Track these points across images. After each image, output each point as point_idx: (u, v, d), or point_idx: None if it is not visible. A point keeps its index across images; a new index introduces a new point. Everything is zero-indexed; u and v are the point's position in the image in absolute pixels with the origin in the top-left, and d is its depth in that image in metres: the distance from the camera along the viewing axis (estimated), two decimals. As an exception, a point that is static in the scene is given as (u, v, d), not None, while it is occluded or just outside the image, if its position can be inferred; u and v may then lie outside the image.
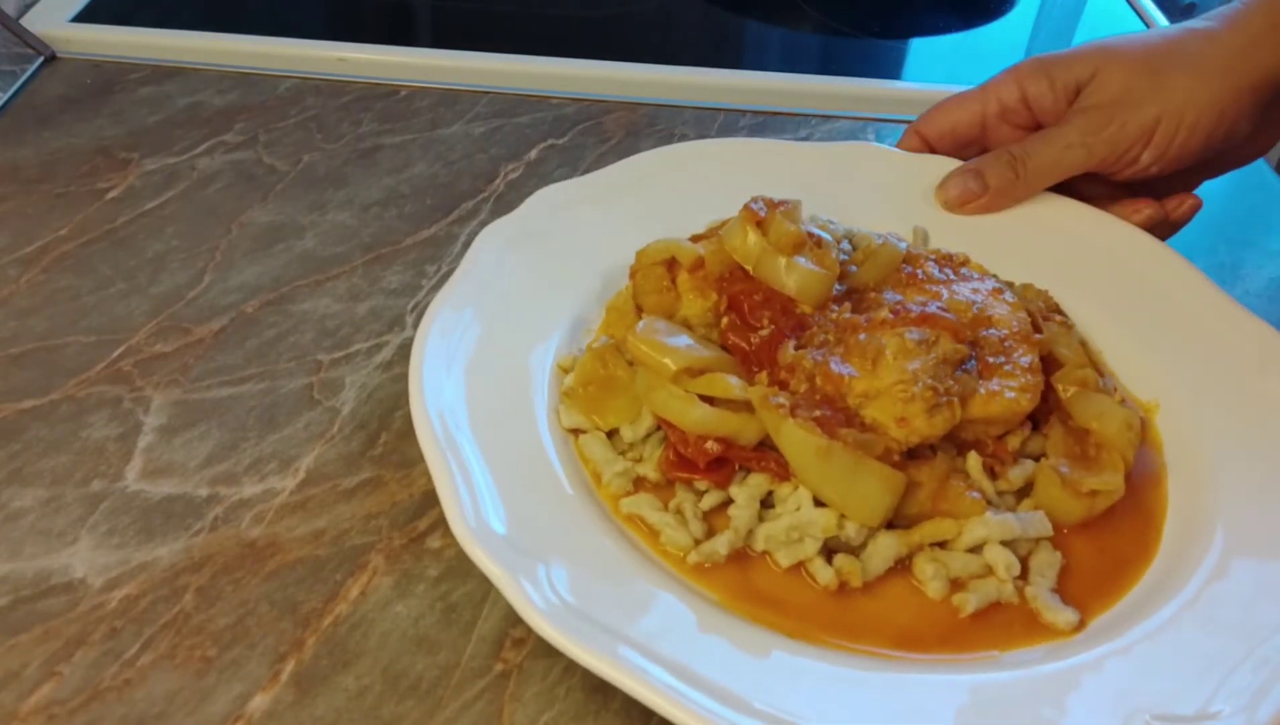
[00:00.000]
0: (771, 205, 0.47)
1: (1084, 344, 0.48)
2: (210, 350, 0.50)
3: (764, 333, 0.45)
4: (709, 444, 0.41)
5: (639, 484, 0.42)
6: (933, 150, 0.59)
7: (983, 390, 0.42)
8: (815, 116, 0.70)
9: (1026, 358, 0.44)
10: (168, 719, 0.36)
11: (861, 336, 0.43)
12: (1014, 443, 0.44)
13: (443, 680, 0.38)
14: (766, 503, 0.42)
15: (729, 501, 0.42)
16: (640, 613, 0.36)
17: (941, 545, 0.41)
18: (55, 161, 0.61)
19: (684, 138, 0.67)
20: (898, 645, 0.38)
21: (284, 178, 0.62)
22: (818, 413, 0.41)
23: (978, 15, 0.87)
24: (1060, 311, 0.49)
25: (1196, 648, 0.37)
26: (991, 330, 0.45)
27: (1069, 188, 0.56)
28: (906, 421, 0.40)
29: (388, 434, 0.47)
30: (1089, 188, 0.56)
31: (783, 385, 0.43)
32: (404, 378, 0.49)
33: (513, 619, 0.40)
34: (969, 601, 0.39)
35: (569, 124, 0.67)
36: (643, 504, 0.41)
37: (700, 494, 0.42)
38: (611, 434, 0.44)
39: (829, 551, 0.40)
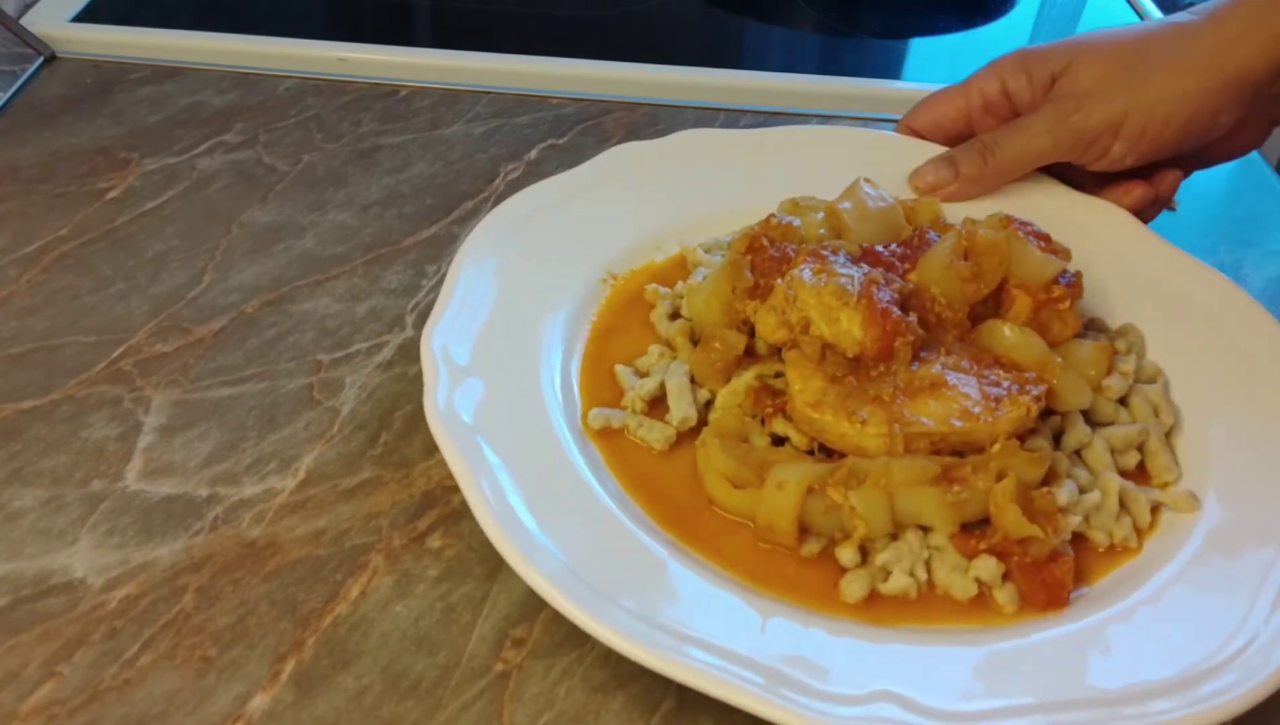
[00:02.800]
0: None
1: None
2: (210, 350, 0.50)
3: None
4: None
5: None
6: None
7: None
8: (815, 116, 0.70)
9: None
10: (168, 719, 0.36)
11: None
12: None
13: (443, 680, 0.38)
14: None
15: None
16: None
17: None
18: (55, 161, 0.61)
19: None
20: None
21: (284, 178, 0.62)
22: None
23: (978, 15, 0.87)
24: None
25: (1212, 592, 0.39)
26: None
27: (1064, 177, 0.56)
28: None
29: (388, 434, 0.47)
30: (1082, 177, 0.56)
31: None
32: (404, 377, 0.49)
33: (513, 619, 0.40)
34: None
35: (569, 124, 0.67)
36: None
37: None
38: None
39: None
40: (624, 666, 0.38)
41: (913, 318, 0.43)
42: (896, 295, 0.44)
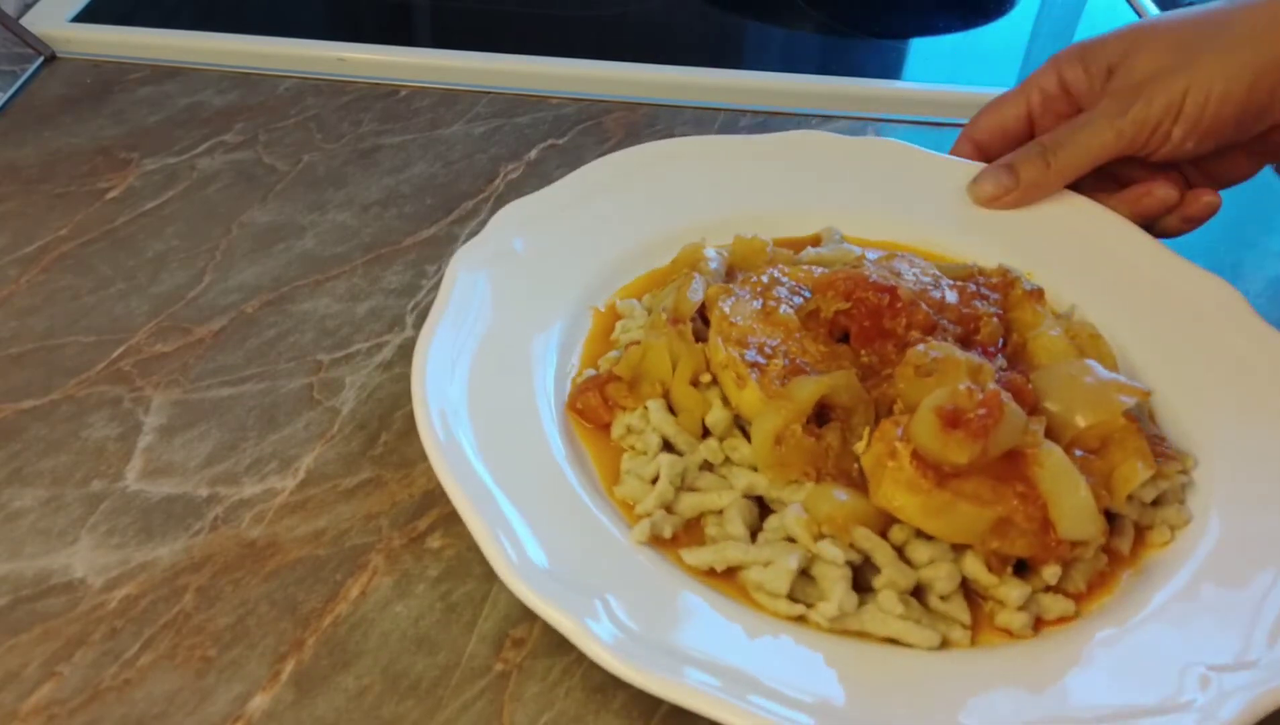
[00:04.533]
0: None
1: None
2: (210, 350, 0.50)
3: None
4: None
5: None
6: (986, 155, 0.58)
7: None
8: (815, 116, 0.70)
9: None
10: (168, 719, 0.36)
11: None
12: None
13: (443, 680, 0.38)
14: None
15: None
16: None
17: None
18: (55, 161, 0.61)
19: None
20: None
21: (284, 178, 0.62)
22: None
23: (978, 15, 0.87)
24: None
25: (1217, 609, 0.39)
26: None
27: (1105, 172, 0.55)
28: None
29: (388, 434, 0.47)
30: (1126, 170, 0.55)
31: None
32: (404, 377, 0.49)
33: (513, 619, 0.40)
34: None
35: (569, 124, 0.67)
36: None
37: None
38: None
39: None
40: (624, 666, 0.38)
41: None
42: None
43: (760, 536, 0.40)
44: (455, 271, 0.47)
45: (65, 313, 0.52)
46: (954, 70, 0.79)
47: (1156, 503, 0.42)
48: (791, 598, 0.38)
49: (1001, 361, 0.43)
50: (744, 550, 0.39)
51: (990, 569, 0.39)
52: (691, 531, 0.41)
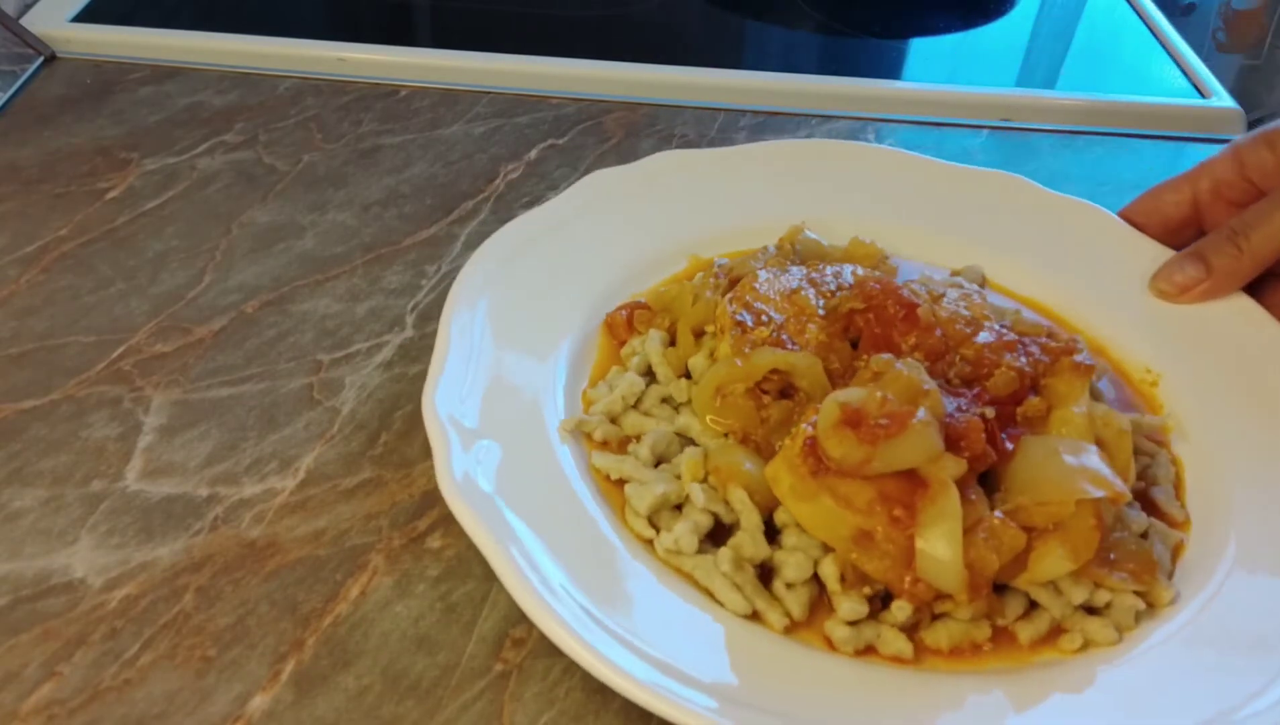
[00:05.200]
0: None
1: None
2: (210, 350, 0.50)
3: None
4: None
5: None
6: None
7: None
8: (815, 116, 0.70)
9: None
10: (168, 719, 0.36)
11: None
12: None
13: (443, 680, 0.38)
14: None
15: None
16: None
17: None
18: (55, 161, 0.61)
19: (684, 137, 0.67)
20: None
21: (284, 178, 0.62)
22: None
23: (978, 15, 0.87)
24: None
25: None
26: None
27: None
28: None
29: (388, 434, 0.47)
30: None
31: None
32: (404, 377, 0.49)
33: (513, 619, 0.40)
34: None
35: (569, 124, 0.67)
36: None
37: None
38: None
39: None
40: (624, 666, 0.38)
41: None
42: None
43: (662, 466, 0.43)
44: (449, 317, 0.46)
45: (65, 313, 0.52)
46: (954, 70, 0.79)
47: (1095, 611, 0.39)
48: (654, 526, 0.40)
49: (988, 412, 0.41)
50: (636, 468, 0.42)
51: (843, 578, 0.38)
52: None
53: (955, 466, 0.38)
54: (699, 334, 0.47)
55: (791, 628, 0.38)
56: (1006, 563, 0.38)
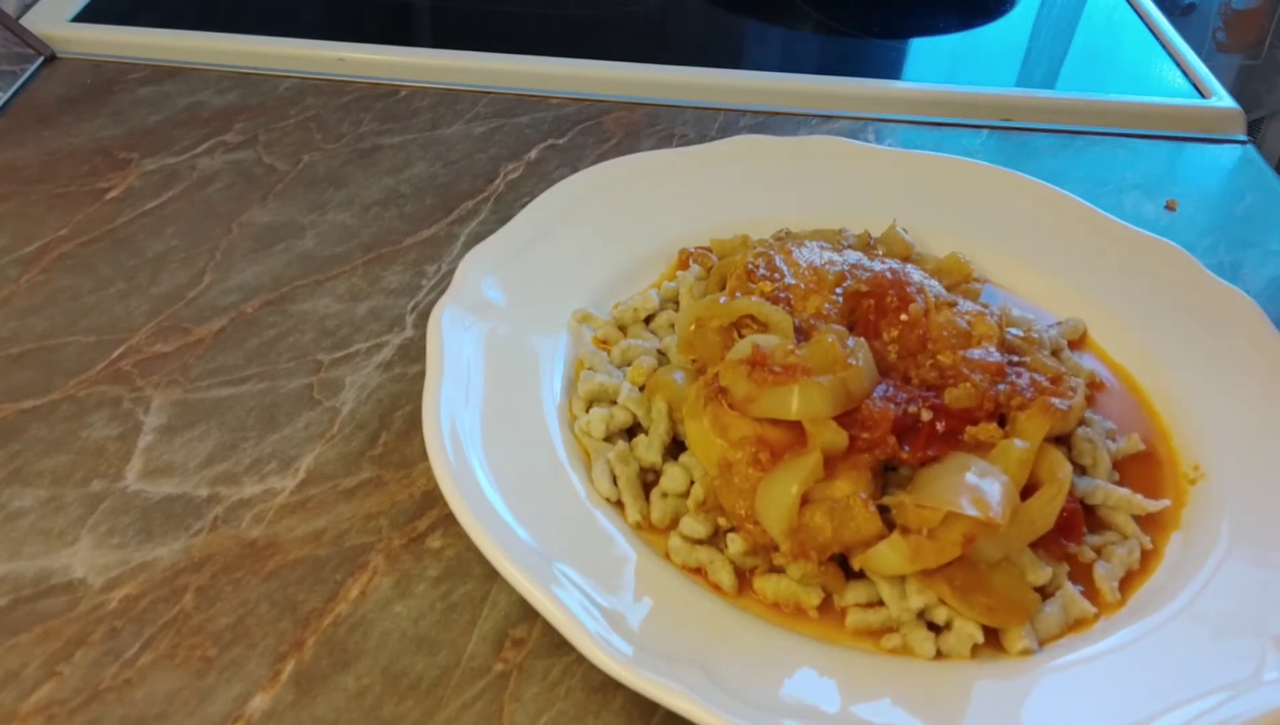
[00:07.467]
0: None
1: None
2: (210, 350, 0.50)
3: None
4: None
5: None
6: None
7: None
8: (815, 116, 0.70)
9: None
10: (168, 719, 0.36)
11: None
12: None
13: (443, 680, 0.38)
14: None
15: None
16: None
17: None
18: (55, 161, 0.61)
19: (684, 137, 0.67)
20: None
21: (284, 178, 0.62)
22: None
23: (978, 15, 0.87)
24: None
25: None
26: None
27: None
28: None
29: (388, 434, 0.47)
30: None
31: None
32: (404, 377, 0.49)
33: (513, 619, 0.40)
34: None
35: (569, 124, 0.67)
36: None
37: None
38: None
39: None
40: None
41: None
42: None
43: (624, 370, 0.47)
44: (440, 332, 0.45)
45: (65, 313, 0.52)
46: (954, 70, 0.79)
47: (936, 629, 0.39)
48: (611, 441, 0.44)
49: (925, 413, 0.41)
50: (603, 364, 0.47)
51: (703, 503, 0.41)
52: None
53: (834, 436, 0.39)
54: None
55: (644, 528, 0.41)
56: (851, 542, 0.39)
